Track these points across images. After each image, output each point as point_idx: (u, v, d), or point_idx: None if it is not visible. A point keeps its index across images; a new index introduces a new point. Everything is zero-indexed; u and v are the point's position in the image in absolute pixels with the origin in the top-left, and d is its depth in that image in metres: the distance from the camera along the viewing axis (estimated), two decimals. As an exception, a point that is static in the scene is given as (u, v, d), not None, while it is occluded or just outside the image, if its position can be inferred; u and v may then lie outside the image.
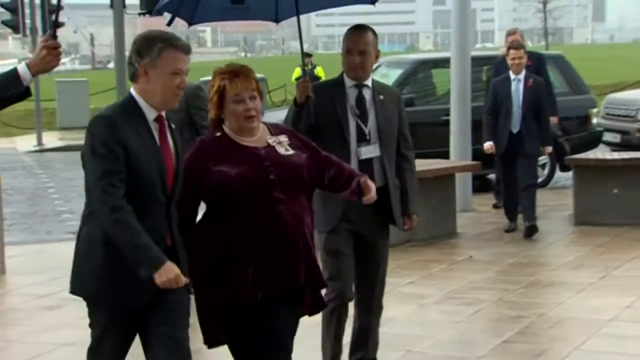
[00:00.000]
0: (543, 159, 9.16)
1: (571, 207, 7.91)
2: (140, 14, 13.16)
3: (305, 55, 19.40)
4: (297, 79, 18.21)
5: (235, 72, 3.22)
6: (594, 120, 11.48)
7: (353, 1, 4.90)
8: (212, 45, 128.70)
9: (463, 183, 8.39)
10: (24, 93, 3.20)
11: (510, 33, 8.71)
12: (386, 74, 10.47)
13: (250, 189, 3.12)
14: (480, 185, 9.61)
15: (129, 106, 3.06)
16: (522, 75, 7.49)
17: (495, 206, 8.59)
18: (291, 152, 3.25)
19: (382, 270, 4.05)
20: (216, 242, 3.15)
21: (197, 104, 5.68)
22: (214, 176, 3.12)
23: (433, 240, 7.29)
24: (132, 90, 3.09)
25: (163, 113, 3.11)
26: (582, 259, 6.63)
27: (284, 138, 3.29)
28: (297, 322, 3.33)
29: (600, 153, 9.92)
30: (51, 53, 3.16)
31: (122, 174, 2.92)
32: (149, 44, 3.04)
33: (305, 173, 3.25)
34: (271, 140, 3.27)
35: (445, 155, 8.62)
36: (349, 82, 3.99)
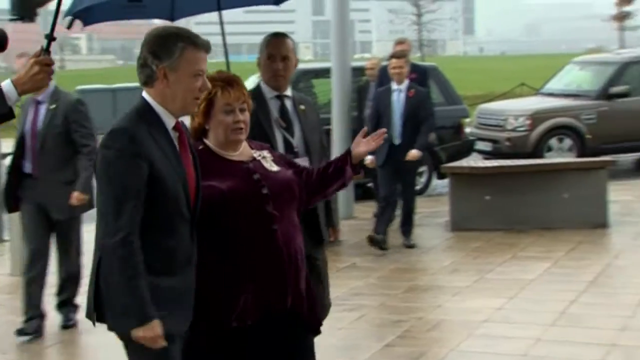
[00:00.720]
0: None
1: (447, 214, 8.15)
2: (10, 19, 12.64)
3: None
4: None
5: (229, 81, 2.99)
6: (467, 130, 11.92)
7: (256, 2, 4.81)
8: (87, 52, 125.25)
9: (346, 191, 8.51)
10: (8, 114, 2.81)
11: (399, 42, 8.63)
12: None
13: (243, 204, 2.88)
14: (362, 193, 9.78)
15: (146, 114, 2.69)
16: (403, 86, 7.41)
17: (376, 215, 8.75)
18: (276, 168, 3.06)
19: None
20: (207, 263, 2.86)
21: (77, 119, 5.25)
22: (203, 192, 2.80)
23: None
24: (146, 96, 2.72)
25: (180, 120, 2.80)
26: (457, 264, 6.85)
27: (267, 153, 3.11)
28: (298, 345, 3.10)
29: (473, 161, 10.28)
30: (43, 70, 2.81)
31: (142, 195, 2.61)
32: (168, 43, 2.67)
33: (296, 188, 3.06)
34: (256, 154, 3.07)
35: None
36: (269, 93, 3.75)
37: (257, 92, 3.71)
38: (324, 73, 9.89)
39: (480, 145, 12.15)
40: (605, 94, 12.18)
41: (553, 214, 7.84)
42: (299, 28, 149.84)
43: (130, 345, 2.66)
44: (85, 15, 4.42)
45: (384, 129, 3.21)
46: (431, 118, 7.58)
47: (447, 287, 6.20)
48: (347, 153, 3.14)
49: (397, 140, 7.35)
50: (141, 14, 4.89)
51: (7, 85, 2.81)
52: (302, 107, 3.88)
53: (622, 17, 30.63)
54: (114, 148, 2.61)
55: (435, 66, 12.10)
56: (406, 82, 7.49)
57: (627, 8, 30.61)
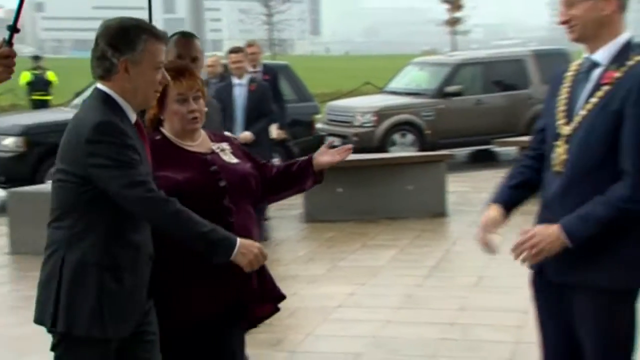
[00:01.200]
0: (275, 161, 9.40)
1: (301, 206, 8.22)
2: None
3: (35, 58, 18.34)
4: (28, 83, 17.17)
5: (180, 70, 2.87)
6: (318, 125, 12.10)
7: None
8: None
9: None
10: None
11: (249, 45, 8.60)
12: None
13: (200, 196, 2.73)
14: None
15: (112, 107, 2.49)
16: (244, 80, 7.31)
17: None
18: (235, 160, 2.93)
19: None
20: (161, 257, 2.69)
21: None
22: (158, 182, 2.61)
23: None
24: (106, 89, 2.51)
25: None
26: (312, 253, 6.94)
27: (226, 146, 2.97)
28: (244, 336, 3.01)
29: (324, 155, 10.40)
30: (2, 64, 2.57)
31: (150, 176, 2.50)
32: (130, 35, 2.48)
33: (253, 182, 2.93)
34: (215, 146, 2.93)
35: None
36: None
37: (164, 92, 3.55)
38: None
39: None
40: (441, 93, 12.70)
41: (398, 204, 8.08)
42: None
43: (74, 349, 2.49)
44: None
45: (351, 145, 3.06)
46: (272, 112, 7.52)
47: (303, 275, 6.27)
48: (310, 160, 3.03)
49: (239, 134, 7.14)
50: None
51: None
52: (206, 109, 3.79)
53: (453, 22, 32.14)
54: (110, 141, 2.41)
55: (287, 65, 12.20)
56: (247, 77, 7.39)
57: (457, 14, 32.09)
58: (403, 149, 12.13)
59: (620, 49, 2.64)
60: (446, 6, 32.92)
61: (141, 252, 2.55)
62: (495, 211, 2.80)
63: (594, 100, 2.63)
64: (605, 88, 2.61)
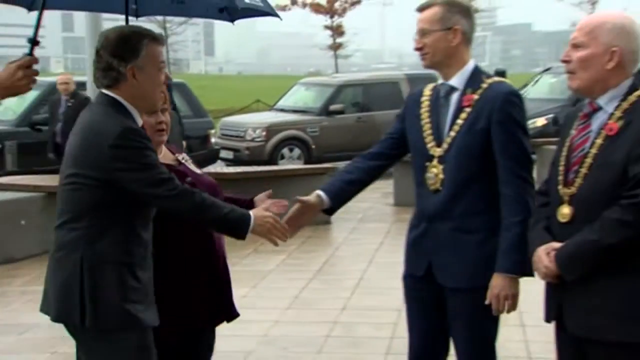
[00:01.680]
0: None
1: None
2: None
3: None
4: None
5: None
6: (213, 140, 11.99)
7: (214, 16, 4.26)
8: None
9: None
10: None
11: None
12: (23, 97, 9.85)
13: None
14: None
15: (124, 113, 2.38)
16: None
17: None
18: (199, 171, 2.79)
19: None
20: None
21: None
22: None
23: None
24: (113, 95, 2.40)
25: None
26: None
27: (186, 156, 2.81)
28: None
29: (220, 168, 10.35)
30: (27, 74, 2.44)
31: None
32: (132, 42, 2.38)
33: (220, 191, 2.78)
34: (180, 157, 2.78)
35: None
36: None
37: None
38: (79, 86, 9.44)
39: (223, 154, 12.29)
40: (325, 111, 12.87)
41: (287, 213, 8.07)
42: (50, 43, 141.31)
43: (108, 342, 2.38)
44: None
45: (286, 203, 2.79)
46: (181, 133, 7.31)
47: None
48: (251, 203, 2.85)
49: None
50: None
51: None
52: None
53: (336, 46, 32.74)
54: (136, 147, 2.32)
55: (183, 82, 12.05)
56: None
57: (339, 40, 32.72)
58: (291, 162, 12.19)
59: (471, 75, 2.73)
60: (329, 32, 33.51)
61: (148, 249, 2.48)
62: (316, 197, 2.80)
63: (459, 121, 2.70)
64: (468, 110, 2.69)
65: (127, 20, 3.89)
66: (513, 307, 2.65)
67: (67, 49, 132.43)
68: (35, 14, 2.87)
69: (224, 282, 2.82)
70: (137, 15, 4.09)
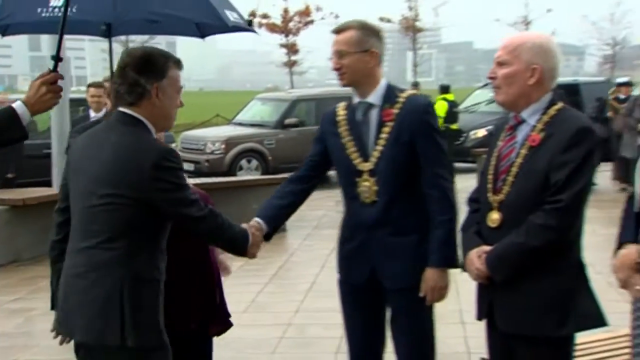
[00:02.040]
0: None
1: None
2: None
3: None
4: None
5: None
6: (174, 153, 11.86)
7: (183, 33, 4.23)
8: None
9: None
10: (24, 136, 2.40)
11: (106, 80, 7.96)
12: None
13: None
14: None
15: (147, 131, 2.34)
16: (101, 114, 6.35)
17: None
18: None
19: None
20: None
21: None
22: None
23: (40, 258, 6.86)
24: (133, 113, 2.34)
25: None
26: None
27: None
28: None
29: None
30: (51, 90, 2.40)
31: None
32: (158, 63, 2.37)
33: (212, 202, 2.69)
34: None
35: (47, 183, 8.25)
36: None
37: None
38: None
39: (185, 166, 12.12)
40: (281, 124, 12.87)
41: (245, 221, 8.00)
42: (16, 62, 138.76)
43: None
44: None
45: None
46: None
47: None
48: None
49: None
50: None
51: (19, 107, 2.40)
52: None
53: (292, 63, 32.92)
54: (175, 167, 2.32)
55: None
56: (104, 110, 6.38)
57: (294, 57, 32.92)
58: (249, 173, 12.16)
59: (386, 91, 2.77)
60: (284, 50, 33.68)
61: (165, 259, 2.43)
62: (257, 224, 2.79)
63: (384, 135, 2.72)
64: (390, 124, 2.72)
65: (110, 46, 3.82)
66: (443, 297, 2.72)
67: (34, 67, 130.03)
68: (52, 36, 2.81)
69: (219, 288, 2.85)
70: (108, 36, 4.03)
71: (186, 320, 2.73)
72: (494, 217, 2.44)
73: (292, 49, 32.23)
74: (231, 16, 3.99)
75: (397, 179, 2.72)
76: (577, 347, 2.78)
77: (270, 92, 19.77)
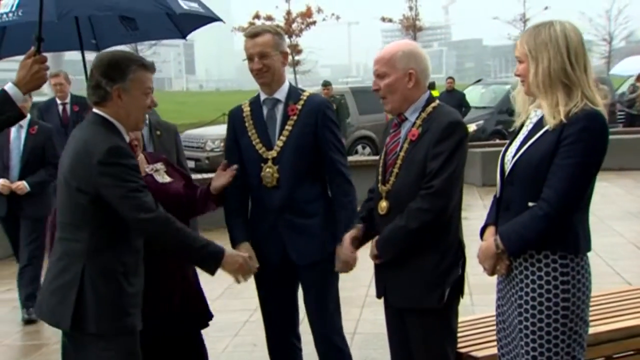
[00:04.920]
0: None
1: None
2: None
3: None
4: None
5: None
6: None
7: (165, 36, 4.21)
8: None
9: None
10: (18, 116, 2.49)
11: (54, 75, 7.12)
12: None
13: None
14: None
15: (113, 130, 2.42)
16: (25, 121, 5.05)
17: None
18: (168, 179, 2.86)
19: None
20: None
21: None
22: None
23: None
24: (102, 113, 2.45)
25: None
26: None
27: (160, 166, 2.88)
28: None
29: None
30: (42, 68, 2.51)
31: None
32: (120, 67, 2.45)
33: (184, 200, 2.85)
34: (148, 168, 2.84)
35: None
36: None
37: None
38: None
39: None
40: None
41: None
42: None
43: (101, 344, 2.38)
44: None
45: (236, 166, 2.95)
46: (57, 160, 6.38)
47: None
48: (208, 189, 2.95)
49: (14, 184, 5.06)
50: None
51: (11, 88, 2.48)
52: (158, 132, 3.77)
53: (295, 63, 33.20)
54: (123, 164, 2.35)
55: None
56: (28, 117, 5.04)
57: (298, 57, 33.26)
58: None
59: (289, 90, 3.00)
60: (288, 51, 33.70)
61: (140, 256, 2.49)
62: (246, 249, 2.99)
63: (288, 127, 2.93)
64: (294, 118, 2.93)
65: (83, 56, 3.87)
66: (352, 269, 2.88)
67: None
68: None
69: (196, 287, 2.92)
70: (97, 50, 4.09)
71: (168, 298, 2.77)
72: (383, 205, 2.63)
73: (295, 49, 32.40)
74: (185, 5, 3.82)
75: (300, 167, 2.90)
76: (593, 300, 2.92)
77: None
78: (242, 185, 2.98)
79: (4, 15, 3.46)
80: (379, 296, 2.74)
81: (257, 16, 29.54)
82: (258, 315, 5.02)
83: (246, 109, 3.04)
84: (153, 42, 25.86)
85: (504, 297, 2.40)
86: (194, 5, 3.93)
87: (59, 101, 7.06)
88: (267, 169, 2.92)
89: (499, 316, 2.44)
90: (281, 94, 2.98)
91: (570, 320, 2.22)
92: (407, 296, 2.57)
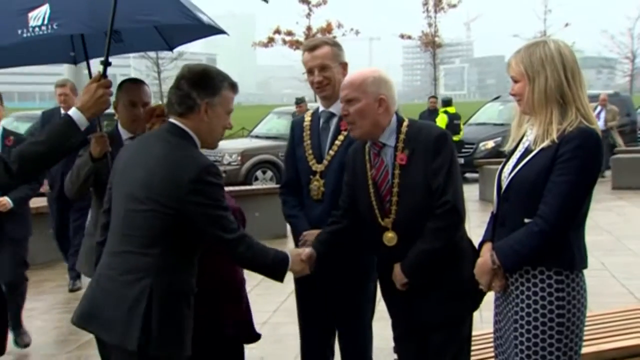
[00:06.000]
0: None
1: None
2: None
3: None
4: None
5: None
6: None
7: (151, 47, 4.14)
8: None
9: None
10: (84, 141, 2.47)
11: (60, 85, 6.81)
12: None
13: None
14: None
15: (193, 144, 2.35)
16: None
17: None
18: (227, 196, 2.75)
19: None
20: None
21: None
22: None
23: (50, 262, 7.19)
24: (181, 125, 2.37)
25: None
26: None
27: None
28: None
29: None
30: (106, 93, 2.50)
31: None
32: (214, 81, 2.40)
33: (240, 217, 2.78)
34: None
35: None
36: (125, 135, 3.32)
37: (115, 134, 3.33)
38: None
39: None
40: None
41: (249, 227, 8.21)
42: None
43: None
44: None
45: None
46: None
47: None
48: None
49: None
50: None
51: (75, 113, 2.46)
52: None
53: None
54: (217, 184, 2.30)
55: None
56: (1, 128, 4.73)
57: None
58: (264, 183, 12.37)
59: None
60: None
61: (196, 274, 2.41)
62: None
63: (338, 142, 2.93)
64: (345, 133, 2.92)
65: (88, 66, 3.76)
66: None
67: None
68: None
69: (246, 301, 2.89)
70: (75, 62, 3.96)
71: (219, 329, 2.73)
72: (390, 236, 2.63)
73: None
74: (204, 16, 3.59)
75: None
76: (597, 319, 3.03)
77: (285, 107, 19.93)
78: (297, 190, 3.02)
79: (37, 29, 3.24)
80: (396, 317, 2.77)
81: (277, 31, 29.71)
82: (267, 330, 5.11)
83: (307, 119, 3.06)
84: (174, 55, 25.93)
85: (501, 313, 2.42)
86: (204, 17, 3.83)
87: (62, 111, 6.82)
88: (315, 182, 2.94)
89: (496, 332, 2.46)
90: (336, 107, 2.94)
91: (565, 336, 2.24)
92: (438, 311, 2.59)
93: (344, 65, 2.97)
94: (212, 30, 3.58)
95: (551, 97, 2.23)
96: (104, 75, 2.55)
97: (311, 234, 2.87)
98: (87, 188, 3.21)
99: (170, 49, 4.01)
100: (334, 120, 2.96)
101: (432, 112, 13.81)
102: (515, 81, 2.32)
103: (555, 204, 2.17)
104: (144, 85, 3.40)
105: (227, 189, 2.75)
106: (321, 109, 3.02)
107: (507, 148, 2.43)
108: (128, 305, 2.25)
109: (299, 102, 12.79)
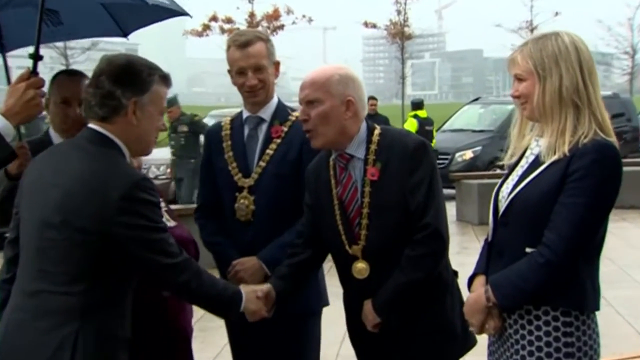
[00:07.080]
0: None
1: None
2: None
3: None
4: None
5: None
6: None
7: (105, 34, 3.97)
8: None
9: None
10: (9, 156, 2.30)
11: None
12: None
13: None
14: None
15: (119, 153, 2.23)
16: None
17: None
18: (174, 223, 2.67)
19: None
20: None
21: None
22: None
23: None
24: (104, 131, 2.23)
25: None
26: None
27: (163, 204, 2.66)
28: None
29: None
30: (38, 94, 2.35)
31: None
32: (141, 75, 2.25)
33: (192, 248, 2.66)
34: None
35: None
36: (58, 140, 3.10)
37: (45, 140, 3.04)
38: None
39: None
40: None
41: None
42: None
43: None
44: None
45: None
46: None
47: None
48: None
49: None
50: None
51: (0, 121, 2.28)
52: None
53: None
54: (145, 201, 2.18)
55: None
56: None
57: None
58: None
59: (276, 108, 2.98)
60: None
61: (130, 314, 2.31)
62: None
63: (269, 152, 2.90)
64: (278, 141, 2.91)
65: (4, 57, 3.63)
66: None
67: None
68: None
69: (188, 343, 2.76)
70: (2, 51, 3.78)
71: None
72: (359, 267, 2.57)
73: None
74: None
75: (280, 200, 2.88)
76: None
77: (221, 109, 19.80)
78: (217, 213, 3.00)
79: None
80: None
81: (214, 18, 29.58)
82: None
83: (226, 127, 3.01)
84: (87, 44, 25.63)
85: (495, 361, 2.41)
86: None
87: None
88: (242, 200, 2.90)
89: None
90: (266, 112, 2.94)
91: None
92: (418, 358, 2.57)
93: (277, 65, 2.96)
94: (172, 12, 3.49)
95: (567, 99, 2.20)
96: (34, 71, 2.41)
97: (242, 263, 2.84)
98: (3, 212, 3.05)
99: (125, 35, 3.88)
100: (264, 127, 2.95)
101: (373, 118, 13.88)
102: (521, 80, 2.29)
103: (565, 230, 2.13)
104: (83, 78, 3.08)
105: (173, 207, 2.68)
106: (246, 114, 2.99)
107: (506, 162, 2.42)
108: (46, 358, 2.13)
109: (172, 103, 11.72)
